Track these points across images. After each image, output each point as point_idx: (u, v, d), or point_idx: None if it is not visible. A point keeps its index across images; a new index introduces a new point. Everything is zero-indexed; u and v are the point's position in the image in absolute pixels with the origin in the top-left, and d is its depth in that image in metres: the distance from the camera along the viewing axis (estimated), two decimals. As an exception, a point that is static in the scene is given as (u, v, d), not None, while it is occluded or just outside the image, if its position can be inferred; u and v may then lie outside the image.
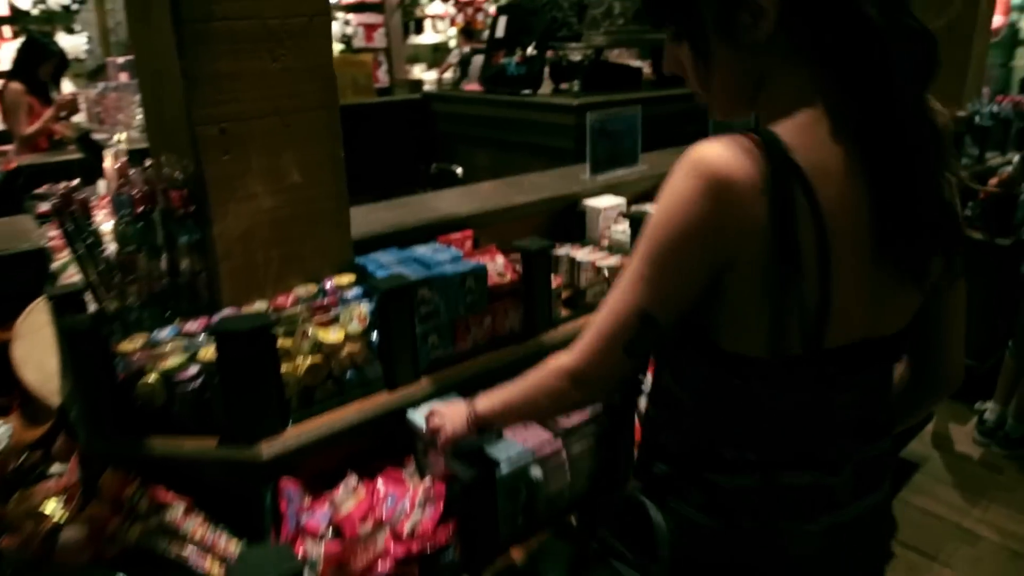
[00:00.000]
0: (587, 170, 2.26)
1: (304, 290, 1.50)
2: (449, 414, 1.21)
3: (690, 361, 0.94)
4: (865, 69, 0.82)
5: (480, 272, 1.58)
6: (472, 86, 3.98)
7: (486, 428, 1.18)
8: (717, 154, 0.81)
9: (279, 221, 1.47)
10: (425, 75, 6.83)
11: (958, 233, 0.90)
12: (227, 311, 1.40)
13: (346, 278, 1.53)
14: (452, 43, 7.34)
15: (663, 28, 0.98)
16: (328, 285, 1.50)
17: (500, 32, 3.67)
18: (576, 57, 3.49)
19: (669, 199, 0.85)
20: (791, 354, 0.84)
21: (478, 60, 3.94)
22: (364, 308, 1.44)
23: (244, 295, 1.44)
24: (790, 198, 0.80)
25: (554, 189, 2.12)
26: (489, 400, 1.16)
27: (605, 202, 2.12)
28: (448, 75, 6.80)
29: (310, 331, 1.35)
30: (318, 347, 1.35)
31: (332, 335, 1.36)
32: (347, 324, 1.40)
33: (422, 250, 1.67)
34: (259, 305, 1.43)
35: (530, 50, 3.52)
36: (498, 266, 1.70)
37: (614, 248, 2.01)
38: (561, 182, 2.23)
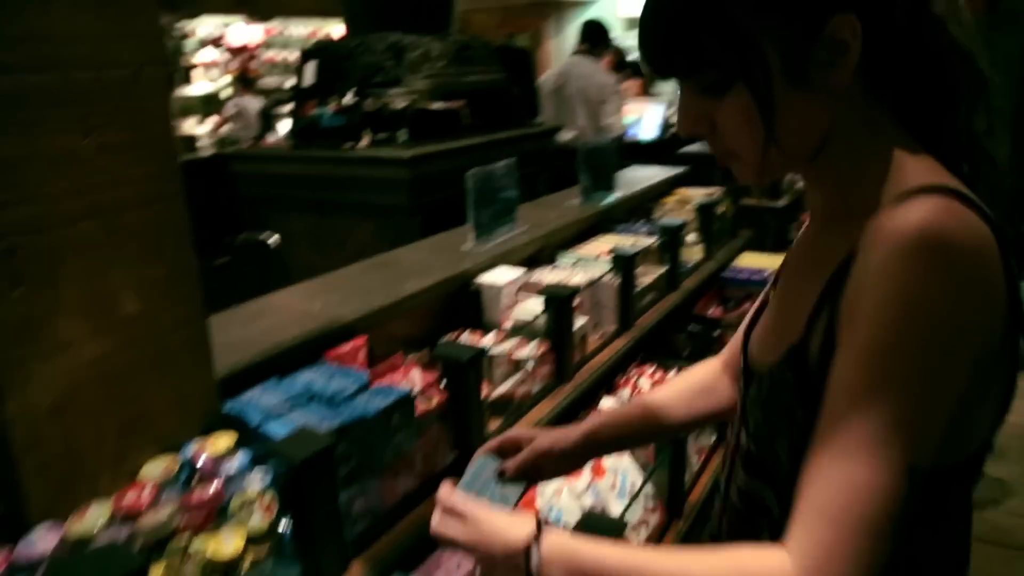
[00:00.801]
0: (470, 238, 1.92)
1: (160, 469, 1.00)
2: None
3: None
4: (946, 99, 0.72)
5: (407, 402, 1.18)
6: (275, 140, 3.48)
7: None
8: (955, 227, 0.62)
9: (112, 374, 0.97)
10: (198, 129, 6.08)
11: None
12: (41, 532, 0.88)
13: (222, 441, 1.05)
14: (226, 93, 6.64)
15: (693, 77, 0.72)
16: (198, 456, 1.02)
17: (310, 79, 3.23)
18: (399, 104, 3.15)
19: (920, 298, 0.61)
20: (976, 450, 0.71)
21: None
22: (259, 486, 0.99)
23: (67, 499, 0.92)
24: (1007, 259, 0.65)
25: (440, 267, 1.75)
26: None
27: (502, 277, 1.79)
28: (226, 128, 6.11)
29: (193, 546, 0.88)
30: (210, 569, 0.88)
31: (227, 545, 0.90)
32: (245, 520, 0.94)
33: (311, 377, 1.23)
34: (95, 513, 0.92)
35: (348, 98, 3.11)
36: (416, 384, 1.30)
37: (522, 331, 1.69)
38: (441, 256, 1.87)
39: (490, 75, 3.74)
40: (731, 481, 0.88)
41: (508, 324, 1.74)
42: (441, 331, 1.69)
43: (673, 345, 2.24)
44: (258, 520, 0.93)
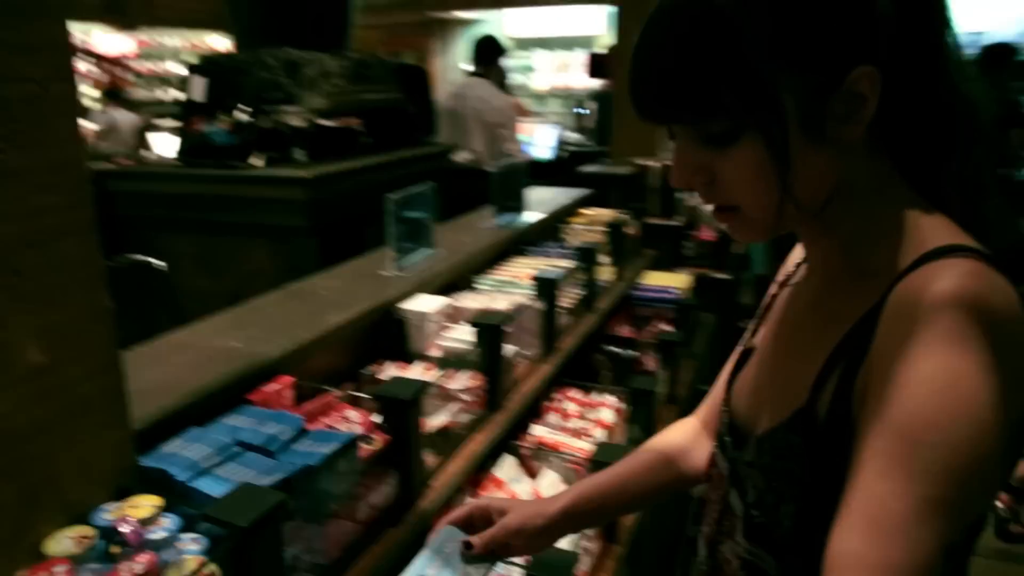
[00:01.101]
0: (389, 264, 1.84)
1: (70, 543, 0.87)
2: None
3: None
4: (951, 152, 0.69)
5: (351, 446, 1.09)
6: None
7: None
8: (989, 294, 0.59)
9: (12, 435, 0.84)
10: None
11: None
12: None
13: (145, 504, 0.93)
14: (95, 107, 6.17)
15: (698, 125, 0.68)
16: (120, 524, 0.89)
17: (200, 95, 3.02)
18: (295, 122, 3.00)
19: (961, 375, 0.57)
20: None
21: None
22: (196, 557, 0.87)
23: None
24: None
25: (362, 295, 1.66)
26: None
27: (426, 304, 1.72)
28: (96, 143, 5.66)
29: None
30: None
31: (167, 627, 0.78)
32: (184, 596, 0.82)
33: (237, 423, 1.12)
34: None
35: (241, 115, 2.94)
36: (355, 425, 1.22)
37: (452, 362, 1.62)
38: (361, 284, 1.78)
39: (388, 93, 3.66)
40: (718, 543, 0.83)
41: (433, 352, 1.68)
42: (362, 362, 1.60)
43: (592, 367, 2.23)
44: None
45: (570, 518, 0.94)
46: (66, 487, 0.91)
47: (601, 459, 1.46)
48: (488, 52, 4.43)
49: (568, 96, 8.08)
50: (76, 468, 0.92)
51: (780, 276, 0.89)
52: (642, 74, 0.67)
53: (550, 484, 1.61)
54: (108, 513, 0.92)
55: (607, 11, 8.19)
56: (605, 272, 2.60)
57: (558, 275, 1.97)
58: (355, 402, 1.30)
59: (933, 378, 0.58)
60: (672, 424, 1.06)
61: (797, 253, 0.88)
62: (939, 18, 0.67)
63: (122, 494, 0.96)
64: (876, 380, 0.62)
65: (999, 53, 4.88)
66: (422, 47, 8.94)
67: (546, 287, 1.94)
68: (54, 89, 0.85)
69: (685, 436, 1.02)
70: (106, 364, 0.95)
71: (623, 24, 4.39)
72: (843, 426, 0.65)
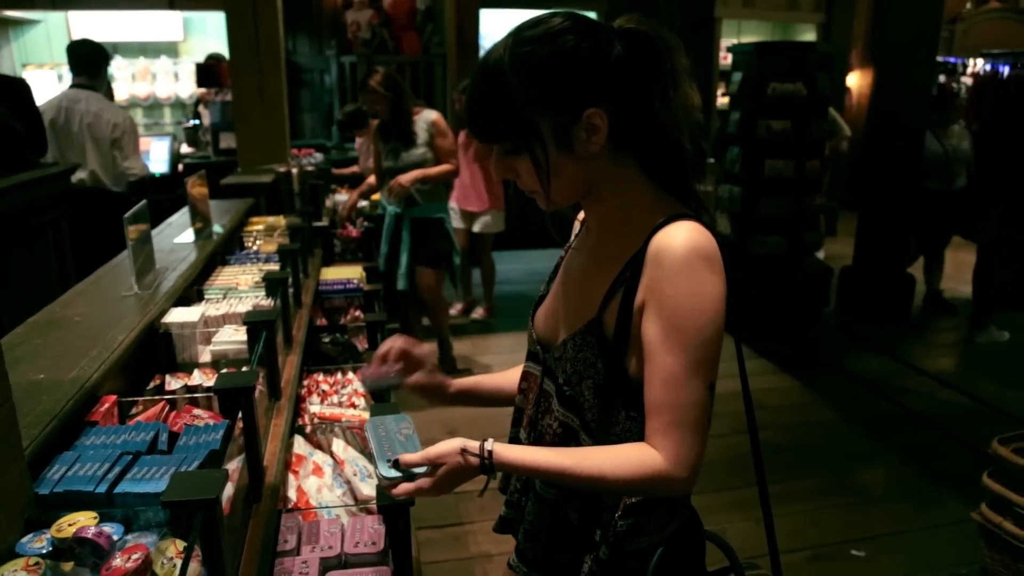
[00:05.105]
0: (132, 284, 1.80)
1: (25, 574, 0.87)
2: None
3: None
4: (668, 159, 1.09)
5: (230, 430, 1.20)
6: None
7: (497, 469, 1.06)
8: (708, 241, 1.01)
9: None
10: None
11: None
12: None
13: (80, 520, 0.95)
14: None
15: (499, 143, 1.07)
16: (84, 533, 0.91)
17: None
18: None
19: (700, 288, 0.99)
20: None
21: None
22: (159, 542, 0.95)
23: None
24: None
25: (126, 316, 1.64)
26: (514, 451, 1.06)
27: (187, 316, 1.76)
28: None
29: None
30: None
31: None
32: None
33: (102, 440, 1.15)
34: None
35: None
36: (209, 420, 1.30)
37: (227, 363, 1.71)
38: (115, 306, 1.72)
39: (-13, 110, 3.20)
40: (539, 420, 1.19)
41: (205, 358, 1.74)
42: (140, 379, 1.61)
43: (324, 354, 2.42)
44: (196, 569, 0.92)
45: (457, 398, 1.33)
46: (-12, 524, 0.89)
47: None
48: (94, 60, 4.08)
49: (175, 106, 7.58)
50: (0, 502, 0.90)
51: (564, 249, 1.28)
52: (467, 112, 1.07)
53: (342, 449, 1.81)
54: (36, 542, 0.93)
55: (181, 17, 7.87)
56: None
57: (285, 275, 2.13)
58: (194, 403, 1.36)
59: (685, 290, 0.99)
60: None
61: (577, 223, 1.28)
62: (657, 66, 1.03)
63: (30, 525, 0.96)
64: (650, 297, 1.02)
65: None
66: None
67: (275, 286, 2.09)
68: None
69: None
70: (2, 394, 0.94)
71: (234, 31, 4.38)
72: (625, 329, 1.05)
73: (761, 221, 5.20)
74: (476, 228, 5.35)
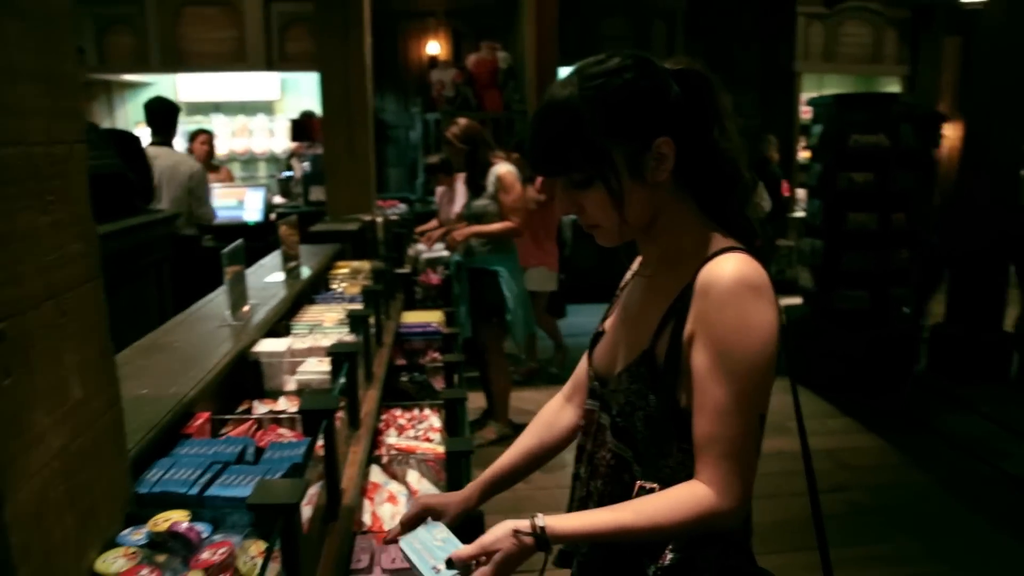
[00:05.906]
0: (227, 315, 1.93)
1: (124, 561, 0.95)
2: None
3: None
4: (726, 186, 1.13)
5: (311, 447, 1.27)
6: None
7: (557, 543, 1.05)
8: (755, 271, 1.03)
9: (69, 466, 0.90)
10: None
11: None
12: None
13: (173, 518, 1.02)
14: None
15: (566, 176, 1.10)
16: (176, 528, 0.98)
17: None
18: None
19: (747, 317, 1.00)
20: None
21: None
22: (244, 542, 1.01)
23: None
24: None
25: (221, 343, 1.75)
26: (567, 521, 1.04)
27: (275, 346, 1.87)
28: None
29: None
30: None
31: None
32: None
33: (196, 450, 1.23)
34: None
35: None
36: (292, 439, 1.37)
37: (311, 391, 1.80)
38: (213, 334, 1.85)
39: (106, 159, 3.50)
40: (595, 453, 1.20)
41: (290, 387, 1.83)
42: (230, 403, 1.70)
43: (402, 391, 2.50)
44: (275, 570, 0.97)
45: (485, 496, 1.30)
46: (99, 515, 0.97)
47: (454, 449, 1.77)
48: (168, 116, 4.46)
49: (270, 160, 8.05)
50: (104, 497, 0.99)
51: (621, 283, 1.31)
52: (532, 145, 1.11)
53: (416, 480, 1.86)
54: (135, 534, 1.00)
55: (279, 78, 8.41)
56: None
57: (367, 312, 2.22)
58: (278, 423, 1.44)
59: (732, 319, 1.01)
60: (546, 404, 1.42)
61: (635, 264, 1.29)
62: (710, 102, 1.09)
63: (130, 520, 1.04)
64: (698, 327, 1.04)
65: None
66: (86, 111, 8.11)
67: (358, 323, 2.18)
68: (77, 150, 0.95)
69: (557, 405, 1.40)
70: (115, 397, 1.03)
71: (327, 90, 4.67)
72: (675, 359, 1.06)
73: (844, 275, 5.07)
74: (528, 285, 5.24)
